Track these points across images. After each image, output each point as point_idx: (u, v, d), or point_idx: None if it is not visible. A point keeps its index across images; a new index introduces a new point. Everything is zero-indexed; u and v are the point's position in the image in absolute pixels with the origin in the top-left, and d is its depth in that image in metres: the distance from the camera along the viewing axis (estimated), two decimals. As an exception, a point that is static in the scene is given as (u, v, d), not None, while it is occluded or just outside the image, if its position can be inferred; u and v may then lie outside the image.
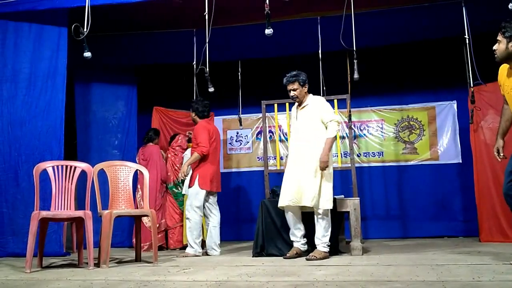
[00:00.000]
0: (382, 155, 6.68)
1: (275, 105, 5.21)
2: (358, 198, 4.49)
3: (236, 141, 7.14)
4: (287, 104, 5.21)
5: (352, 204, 4.37)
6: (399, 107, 6.73)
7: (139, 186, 5.67)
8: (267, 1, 4.20)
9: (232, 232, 6.61)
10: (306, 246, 4.19)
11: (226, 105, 6.98)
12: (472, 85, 5.31)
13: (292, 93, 4.19)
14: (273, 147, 6.74)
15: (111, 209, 4.07)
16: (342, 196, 4.75)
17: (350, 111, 5.18)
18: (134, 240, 4.95)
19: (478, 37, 5.19)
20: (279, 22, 5.16)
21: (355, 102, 6.10)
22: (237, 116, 6.78)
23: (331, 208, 4.05)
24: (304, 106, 4.21)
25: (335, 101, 5.19)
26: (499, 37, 3.10)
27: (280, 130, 6.68)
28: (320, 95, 5.30)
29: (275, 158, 6.53)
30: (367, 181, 6.63)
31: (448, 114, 6.52)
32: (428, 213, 6.37)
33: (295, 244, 4.17)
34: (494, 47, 3.15)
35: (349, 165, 5.04)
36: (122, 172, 4.32)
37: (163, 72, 6.80)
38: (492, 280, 2.55)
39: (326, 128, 4.07)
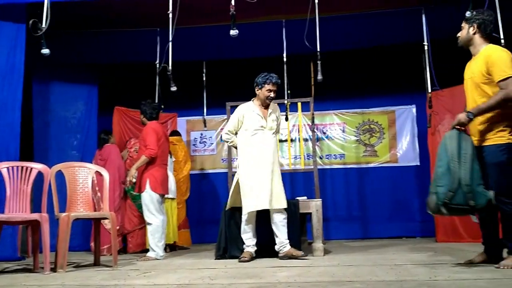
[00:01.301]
0: (344, 158, 6.80)
1: (239, 107, 5.21)
2: (320, 199, 4.54)
3: (200, 142, 7.09)
4: (251, 106, 5.22)
5: (314, 206, 4.42)
6: (360, 110, 6.88)
7: (97, 188, 5.53)
8: (233, 2, 4.20)
9: (195, 234, 6.55)
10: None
11: (190, 106, 6.92)
12: (430, 90, 5.50)
13: (273, 94, 4.18)
14: (237, 149, 6.73)
15: (69, 211, 3.94)
16: (305, 197, 4.79)
17: (313, 114, 5.25)
18: (92, 243, 4.82)
19: (437, 44, 5.38)
20: (244, 23, 5.15)
21: (318, 105, 6.17)
22: (202, 117, 6.73)
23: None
24: (271, 112, 4.23)
25: (299, 104, 5.26)
26: (463, 24, 3.24)
27: (244, 132, 6.67)
28: (284, 98, 5.35)
29: (239, 160, 6.52)
30: (329, 183, 6.74)
31: (407, 118, 6.72)
32: (388, 214, 6.53)
33: (250, 249, 4.14)
34: (458, 34, 3.28)
35: (312, 167, 5.10)
36: (81, 174, 4.20)
37: (125, 71, 6.67)
38: (448, 279, 2.63)
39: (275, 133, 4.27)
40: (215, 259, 4.32)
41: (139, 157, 4.58)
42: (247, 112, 4.20)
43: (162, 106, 5.27)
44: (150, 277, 3.21)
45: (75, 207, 4.08)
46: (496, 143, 3.00)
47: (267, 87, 4.15)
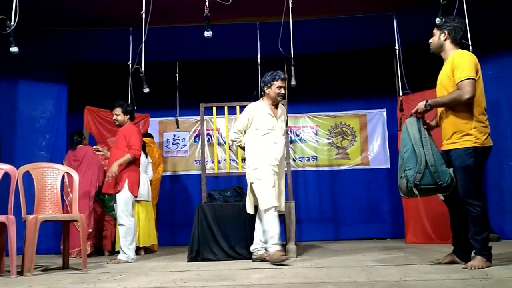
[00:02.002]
0: (316, 160, 6.86)
1: (214, 108, 5.19)
2: (293, 201, 4.57)
3: (173, 143, 7.01)
4: (225, 107, 5.21)
5: (287, 208, 4.44)
6: (333, 113, 6.96)
7: (70, 190, 5.40)
8: (207, 3, 4.18)
9: (167, 237, 6.49)
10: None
11: (163, 106, 6.84)
12: (401, 94, 5.61)
13: (283, 91, 4.15)
14: (211, 151, 6.71)
15: (36, 213, 3.84)
16: (278, 199, 4.80)
17: (287, 117, 5.26)
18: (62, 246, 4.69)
19: (407, 49, 5.49)
20: (218, 25, 5.14)
21: (292, 108, 6.21)
22: (174, 118, 6.66)
23: None
24: (280, 113, 4.21)
25: (273, 106, 5.26)
26: (434, 31, 3.34)
27: (218, 134, 6.66)
28: (258, 99, 5.34)
29: (212, 162, 6.50)
30: (302, 185, 6.79)
31: (378, 121, 6.84)
32: (359, 216, 6.62)
33: (260, 251, 4.06)
34: (430, 40, 3.37)
35: (285, 169, 5.11)
36: (49, 175, 4.10)
37: (96, 71, 6.55)
38: (418, 280, 2.69)
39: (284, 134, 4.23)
40: (188, 261, 4.28)
41: (117, 157, 4.49)
42: (258, 112, 4.11)
43: (135, 107, 5.19)
44: (121, 280, 3.16)
45: (44, 209, 3.98)
46: (462, 146, 3.08)
47: (277, 83, 4.10)
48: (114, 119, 4.73)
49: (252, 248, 4.10)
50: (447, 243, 3.98)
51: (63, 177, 5.45)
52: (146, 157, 5.71)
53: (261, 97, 4.34)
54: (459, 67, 3.08)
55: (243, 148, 4.26)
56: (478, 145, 3.05)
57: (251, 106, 4.21)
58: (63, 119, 5.99)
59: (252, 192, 4.06)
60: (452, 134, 3.13)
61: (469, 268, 2.98)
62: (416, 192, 3.11)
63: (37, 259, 3.88)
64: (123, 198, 4.48)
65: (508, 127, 5.46)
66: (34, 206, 3.94)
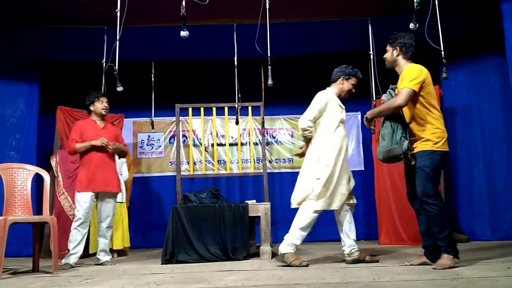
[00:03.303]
0: (292, 162, 6.89)
1: (190, 109, 5.16)
2: (269, 203, 4.58)
3: (147, 144, 6.93)
4: (202, 109, 5.19)
5: (263, 209, 4.45)
6: (309, 116, 6.99)
7: (63, 190, 5.35)
8: (183, 3, 4.15)
9: (141, 239, 6.40)
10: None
11: (137, 107, 6.76)
12: (374, 98, 5.70)
13: (354, 90, 4.05)
14: (186, 152, 6.65)
15: (5, 215, 3.73)
16: (254, 201, 4.81)
17: (263, 118, 5.29)
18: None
19: (382, 54, 5.56)
20: (195, 25, 5.12)
21: (268, 110, 6.23)
22: (149, 119, 6.58)
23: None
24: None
25: (249, 108, 5.28)
26: (388, 47, 3.53)
27: (194, 135, 6.62)
28: (235, 101, 5.34)
29: (188, 163, 6.45)
30: (278, 187, 6.80)
31: (352, 124, 6.92)
32: (333, 217, 6.65)
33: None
34: (384, 56, 3.57)
35: (261, 170, 5.13)
36: (19, 176, 3.99)
37: (69, 69, 6.42)
38: (391, 281, 2.73)
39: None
40: (162, 264, 4.23)
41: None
42: (331, 101, 3.89)
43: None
44: (93, 284, 3.10)
45: (13, 211, 3.87)
46: (421, 149, 3.26)
47: (353, 80, 3.99)
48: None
49: (347, 250, 3.79)
50: (419, 245, 4.07)
51: (53, 178, 5.42)
52: (119, 157, 5.64)
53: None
54: (402, 80, 3.30)
55: (309, 140, 3.98)
56: (435, 149, 3.23)
57: (325, 94, 3.93)
58: (34, 118, 5.83)
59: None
60: (416, 139, 3.31)
61: (437, 268, 3.06)
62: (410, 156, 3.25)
63: (6, 262, 3.77)
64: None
65: (478, 131, 5.61)
66: (3, 208, 3.83)
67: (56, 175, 5.55)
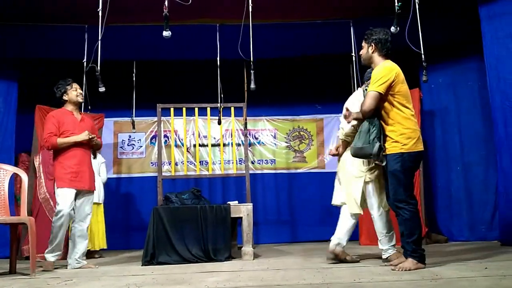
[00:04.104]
0: (275, 163, 6.91)
1: (172, 109, 5.12)
2: (251, 204, 4.58)
3: (128, 145, 6.86)
4: (184, 109, 5.15)
5: (245, 210, 4.45)
6: (291, 117, 7.04)
7: (47, 192, 5.30)
8: (166, 3, 4.12)
9: (122, 240, 6.33)
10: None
11: (118, 106, 6.67)
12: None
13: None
14: (168, 153, 6.61)
15: (-19, 216, 3.64)
16: (236, 202, 4.80)
17: (246, 119, 5.28)
18: (25, 246, 4.75)
19: (363, 56, 5.62)
20: (178, 25, 5.08)
21: (251, 111, 6.23)
22: (130, 118, 6.50)
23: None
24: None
25: (232, 108, 5.26)
26: (363, 43, 3.50)
27: (176, 135, 6.57)
28: (217, 102, 5.32)
29: (169, 164, 6.40)
30: (260, 188, 6.81)
31: (334, 126, 6.97)
32: (315, 218, 6.71)
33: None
34: (360, 53, 3.56)
35: (244, 171, 5.12)
36: (-4, 176, 3.90)
37: (49, 68, 6.30)
38: (371, 281, 2.75)
39: None
40: (142, 265, 4.19)
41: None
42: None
43: (89, 107, 5.04)
44: (72, 286, 3.05)
45: (-11, 212, 3.78)
46: (391, 152, 3.24)
47: None
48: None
49: (385, 248, 3.79)
50: (398, 245, 4.11)
51: (34, 178, 5.34)
52: (95, 158, 5.59)
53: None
54: (371, 81, 3.28)
55: (347, 143, 3.88)
56: (404, 151, 3.19)
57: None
58: (12, 117, 5.71)
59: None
60: (386, 141, 3.28)
61: (397, 269, 3.11)
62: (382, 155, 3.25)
63: (-19, 264, 3.68)
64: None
65: (457, 133, 5.71)
66: (-21, 209, 3.74)
67: (38, 175, 5.47)
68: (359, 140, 3.32)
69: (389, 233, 3.76)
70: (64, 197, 4.07)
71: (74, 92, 4.30)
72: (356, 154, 3.39)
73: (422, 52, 4.42)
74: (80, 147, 4.21)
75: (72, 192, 4.11)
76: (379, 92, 3.20)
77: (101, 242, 5.42)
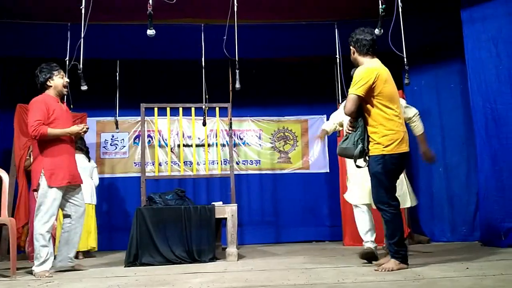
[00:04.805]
0: (259, 164, 6.91)
1: (156, 109, 5.08)
2: (236, 204, 4.57)
3: (111, 144, 6.78)
4: (168, 109, 5.12)
5: (229, 211, 4.44)
6: (276, 118, 7.05)
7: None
8: (150, 1, 4.08)
9: (105, 241, 6.24)
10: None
11: (101, 106, 6.59)
12: (340, 101, 5.78)
13: None
14: (151, 153, 6.55)
15: (-41, 217, 3.56)
16: (221, 202, 4.79)
17: (231, 120, 5.26)
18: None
19: (347, 58, 5.65)
20: (162, 24, 5.04)
21: (236, 111, 6.22)
22: (113, 118, 6.42)
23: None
24: None
25: (217, 109, 5.25)
26: (351, 47, 3.50)
27: (160, 135, 6.52)
28: (202, 102, 5.29)
29: (153, 164, 6.35)
30: (245, 188, 6.81)
31: (319, 127, 6.97)
32: (299, 219, 6.74)
33: (370, 244, 3.89)
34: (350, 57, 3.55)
35: (228, 172, 5.11)
36: (-24, 176, 3.82)
37: (30, 66, 6.16)
38: (355, 282, 2.77)
39: None
40: (125, 266, 4.14)
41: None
42: None
43: (71, 106, 4.96)
44: (53, 287, 3.00)
45: (-33, 213, 3.69)
46: (373, 154, 3.26)
47: None
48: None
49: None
50: (381, 245, 4.16)
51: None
52: (89, 161, 5.56)
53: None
54: (352, 83, 3.29)
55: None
56: (386, 153, 3.19)
57: None
58: (-7, 116, 5.62)
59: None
60: (369, 142, 3.29)
61: (380, 270, 3.14)
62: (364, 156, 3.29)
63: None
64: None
65: (439, 135, 5.78)
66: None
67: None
68: (345, 140, 3.35)
69: None
70: (53, 197, 3.68)
71: (61, 80, 3.91)
72: (340, 154, 3.45)
73: (405, 56, 4.46)
74: (68, 138, 3.86)
75: (62, 189, 3.75)
76: (358, 95, 3.21)
77: (93, 241, 5.39)
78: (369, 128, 3.28)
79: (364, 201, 3.95)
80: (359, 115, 3.32)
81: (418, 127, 4.09)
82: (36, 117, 3.67)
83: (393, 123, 3.23)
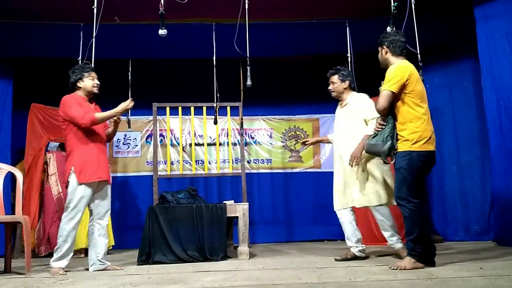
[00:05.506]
0: (271, 162, 6.91)
1: (167, 108, 5.11)
2: (247, 203, 4.58)
3: (123, 143, 6.83)
4: (180, 108, 5.14)
5: (241, 209, 4.45)
6: (287, 117, 7.04)
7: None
8: (162, 1, 4.11)
9: (117, 239, 6.29)
10: (363, 253, 4.05)
11: (114, 105, 6.58)
12: (352, 100, 5.75)
13: (329, 86, 4.23)
14: (163, 152, 6.59)
15: (-25, 215, 3.62)
16: (232, 201, 4.80)
17: (242, 119, 5.27)
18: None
19: (359, 56, 5.64)
20: (174, 24, 5.07)
21: (247, 110, 6.21)
22: (126, 117, 6.46)
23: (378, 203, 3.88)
24: (345, 104, 4.18)
25: (228, 108, 5.26)
26: (379, 48, 3.55)
27: (171, 134, 6.56)
28: (213, 101, 5.31)
29: (165, 163, 6.39)
30: (256, 187, 6.81)
31: (330, 125, 6.97)
32: (311, 218, 6.72)
33: (352, 249, 4.06)
34: (379, 56, 3.57)
35: (240, 171, 5.12)
36: (-10, 174, 3.88)
37: (44, 66, 6.27)
38: (366, 280, 2.76)
39: (367, 125, 3.97)
40: (138, 264, 4.18)
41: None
42: None
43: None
44: (67, 285, 3.04)
45: (-17, 211, 3.76)
46: (400, 150, 3.29)
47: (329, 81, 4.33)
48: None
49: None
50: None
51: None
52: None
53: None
54: (385, 80, 3.33)
55: None
56: (413, 150, 3.22)
57: None
58: (7, 115, 5.67)
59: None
60: (398, 139, 3.32)
61: (393, 268, 3.14)
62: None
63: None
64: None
65: (452, 133, 5.72)
66: (-27, 208, 3.72)
67: (48, 172, 5.61)
68: (375, 136, 3.39)
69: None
70: (81, 194, 3.68)
71: (91, 81, 3.93)
72: (368, 151, 3.49)
73: (418, 52, 4.43)
74: (98, 134, 3.90)
75: (92, 186, 3.75)
76: (392, 91, 3.25)
77: (111, 239, 5.52)
78: (398, 126, 3.32)
79: (342, 206, 4.13)
80: (389, 112, 3.35)
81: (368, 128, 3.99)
82: (77, 109, 3.75)
83: (422, 121, 3.28)
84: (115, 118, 3.93)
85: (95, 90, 3.97)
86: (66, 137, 3.84)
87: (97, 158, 3.82)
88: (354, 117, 4.05)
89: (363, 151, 3.68)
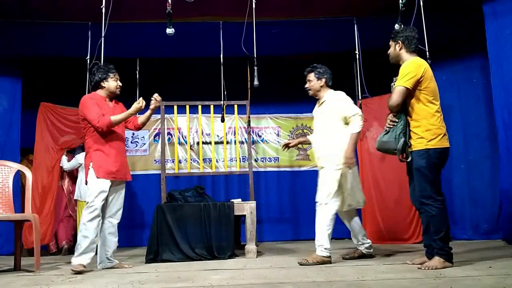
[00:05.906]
0: (278, 161, 6.90)
1: (175, 107, 5.13)
2: (255, 201, 4.58)
3: (131, 142, 6.86)
4: (187, 107, 5.16)
5: (248, 208, 4.45)
6: (294, 115, 7.03)
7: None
8: (169, 0, 4.12)
9: (125, 237, 6.33)
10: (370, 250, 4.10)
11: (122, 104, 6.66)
12: (360, 98, 5.74)
13: (306, 85, 4.22)
14: (171, 150, 6.61)
15: (-14, 213, 3.66)
16: (240, 199, 4.81)
17: (249, 117, 5.28)
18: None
19: (367, 53, 5.61)
20: (181, 23, 5.08)
21: (254, 108, 6.22)
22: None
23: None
24: (322, 103, 4.17)
25: (235, 106, 5.27)
26: (390, 42, 3.50)
27: (179, 133, 6.58)
28: (221, 100, 5.32)
29: (173, 162, 6.41)
30: (263, 186, 6.81)
31: (338, 123, 6.95)
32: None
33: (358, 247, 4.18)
34: (388, 52, 3.53)
35: (247, 169, 5.12)
36: (0, 173, 3.92)
37: (53, 65, 6.31)
38: (374, 279, 2.75)
39: (348, 123, 3.92)
40: (146, 262, 4.20)
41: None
42: None
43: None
44: (76, 282, 3.06)
45: (-7, 209, 3.80)
46: (416, 149, 3.24)
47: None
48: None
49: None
50: (399, 243, 4.13)
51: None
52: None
53: None
54: (399, 76, 3.28)
55: None
56: (430, 147, 3.18)
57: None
58: (17, 114, 5.73)
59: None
60: (411, 137, 3.28)
61: (423, 268, 3.07)
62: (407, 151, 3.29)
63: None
64: None
65: (460, 131, 5.68)
66: (-17, 206, 3.76)
67: (64, 171, 5.87)
68: (386, 133, 3.34)
69: None
70: (99, 189, 3.71)
71: (115, 83, 3.99)
72: (379, 148, 3.43)
73: (427, 49, 4.40)
74: (116, 133, 3.94)
75: (108, 183, 3.78)
76: (406, 87, 3.21)
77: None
78: (412, 123, 3.28)
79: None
80: (402, 109, 3.31)
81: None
82: (95, 111, 3.79)
83: (436, 118, 3.25)
84: (140, 108, 3.91)
85: (118, 91, 4.04)
86: (85, 135, 3.91)
87: (114, 157, 3.86)
88: (331, 115, 3.99)
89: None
